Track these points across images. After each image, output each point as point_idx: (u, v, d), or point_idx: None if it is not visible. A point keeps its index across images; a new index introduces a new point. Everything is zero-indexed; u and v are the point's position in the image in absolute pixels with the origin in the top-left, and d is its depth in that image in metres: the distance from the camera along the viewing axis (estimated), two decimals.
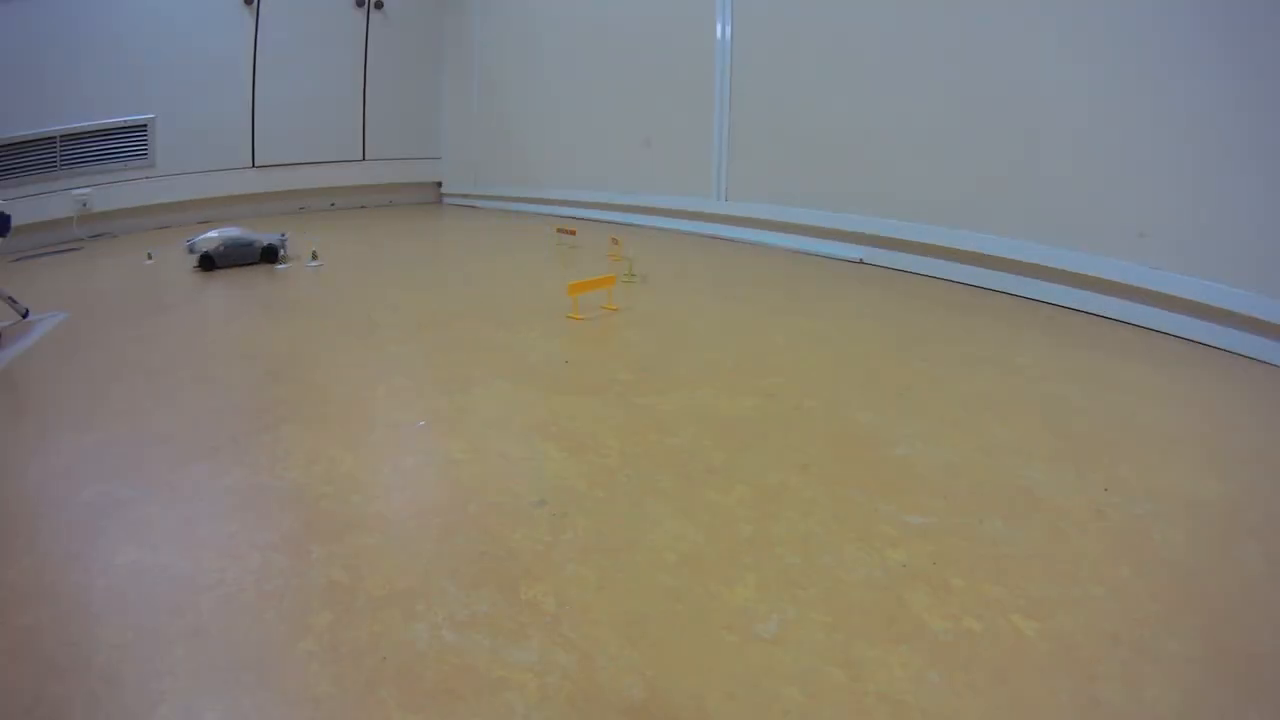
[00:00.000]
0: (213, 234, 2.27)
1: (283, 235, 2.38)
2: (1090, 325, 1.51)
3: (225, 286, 2.05)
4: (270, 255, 2.30)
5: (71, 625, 0.63)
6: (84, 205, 3.14)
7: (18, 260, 2.69)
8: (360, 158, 4.05)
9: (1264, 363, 1.28)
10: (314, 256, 2.32)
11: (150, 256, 2.49)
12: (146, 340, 1.50)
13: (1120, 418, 1.03)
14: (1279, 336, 1.27)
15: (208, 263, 2.22)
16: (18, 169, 2.98)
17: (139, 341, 1.49)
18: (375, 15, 3.94)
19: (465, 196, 4.22)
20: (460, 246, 2.78)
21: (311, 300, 1.82)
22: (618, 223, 3.11)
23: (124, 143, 3.25)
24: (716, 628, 0.61)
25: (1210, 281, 1.37)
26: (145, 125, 3.30)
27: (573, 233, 2.61)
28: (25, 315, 1.71)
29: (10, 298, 1.71)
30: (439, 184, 4.43)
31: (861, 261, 2.14)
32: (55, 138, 3.05)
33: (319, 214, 3.84)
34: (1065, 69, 1.62)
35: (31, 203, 2.96)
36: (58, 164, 3.08)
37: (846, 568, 0.69)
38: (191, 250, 2.25)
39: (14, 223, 1.82)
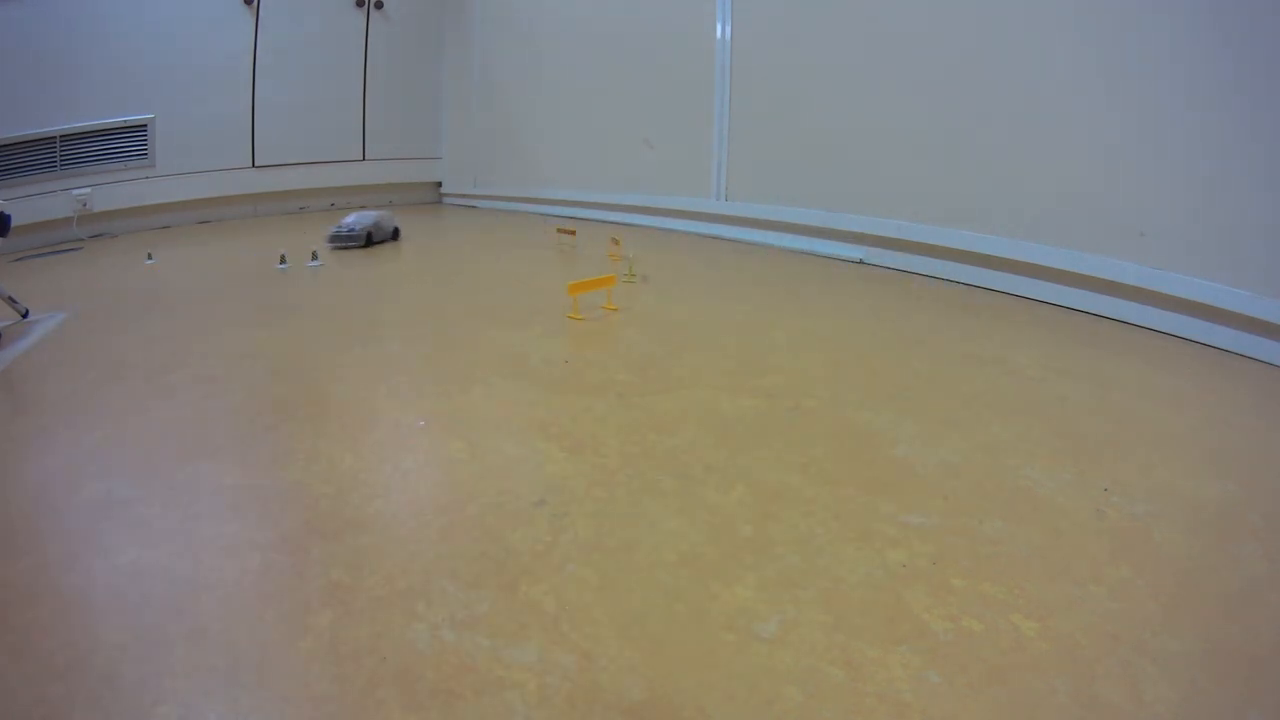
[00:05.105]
0: (352, 218, 2.65)
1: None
2: (1090, 325, 1.51)
3: (225, 286, 2.05)
4: (396, 235, 2.83)
5: (71, 625, 0.63)
6: (84, 205, 3.14)
7: (18, 260, 2.69)
8: (360, 158, 4.06)
9: (1264, 363, 1.28)
10: (314, 256, 2.33)
11: (150, 257, 2.49)
12: (146, 340, 1.50)
13: (1120, 418, 1.03)
14: (1279, 336, 1.28)
15: (368, 240, 2.64)
16: (18, 169, 2.98)
17: (139, 341, 1.49)
18: (375, 15, 3.94)
19: (465, 196, 4.22)
20: (460, 246, 2.78)
21: (311, 300, 1.82)
22: (618, 223, 3.11)
23: (124, 143, 3.25)
24: (716, 628, 0.61)
25: (1210, 281, 1.37)
26: (145, 125, 3.30)
27: (572, 233, 2.61)
28: (25, 315, 1.71)
29: (10, 298, 1.71)
30: (439, 184, 4.43)
31: (861, 261, 2.14)
32: (55, 138, 3.05)
33: (319, 214, 3.84)
34: (1065, 68, 1.62)
35: (31, 203, 2.96)
36: (57, 164, 3.08)
37: (846, 568, 0.69)
38: (349, 233, 2.59)
39: (14, 223, 1.81)
